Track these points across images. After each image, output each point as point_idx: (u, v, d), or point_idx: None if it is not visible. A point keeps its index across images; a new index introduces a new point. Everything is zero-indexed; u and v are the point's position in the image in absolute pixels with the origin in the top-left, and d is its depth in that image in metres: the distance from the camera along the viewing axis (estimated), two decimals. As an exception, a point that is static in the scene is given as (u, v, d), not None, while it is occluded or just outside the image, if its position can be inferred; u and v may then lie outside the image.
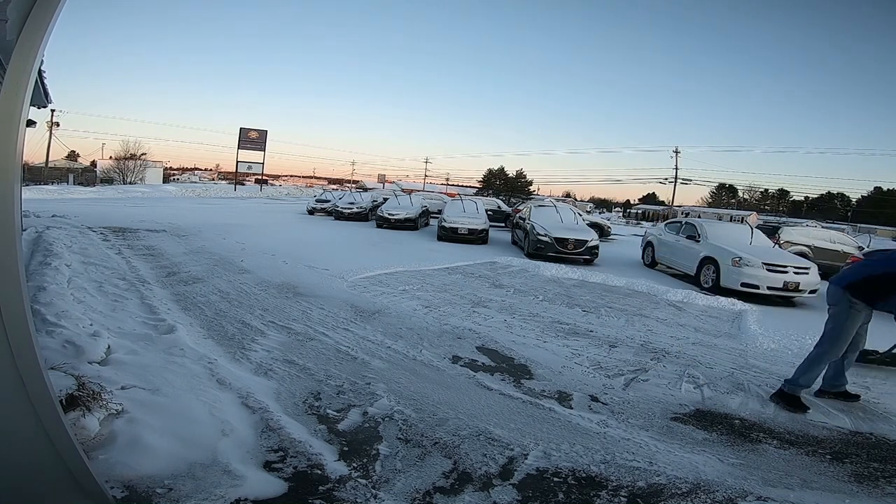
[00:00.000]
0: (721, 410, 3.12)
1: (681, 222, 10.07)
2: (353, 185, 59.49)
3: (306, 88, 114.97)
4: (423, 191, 39.95)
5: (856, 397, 3.44)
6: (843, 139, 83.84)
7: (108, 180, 35.22)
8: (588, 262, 10.01)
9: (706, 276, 8.12)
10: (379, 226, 14.77)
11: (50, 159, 32.46)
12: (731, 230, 9.36)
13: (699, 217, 18.37)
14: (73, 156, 42.21)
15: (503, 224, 18.57)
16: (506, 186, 56.35)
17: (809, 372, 3.25)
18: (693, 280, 8.42)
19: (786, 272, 7.35)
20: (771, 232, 11.19)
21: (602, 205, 66.46)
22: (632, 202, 70.58)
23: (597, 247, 10.16)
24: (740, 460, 2.48)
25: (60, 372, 2.41)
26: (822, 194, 57.70)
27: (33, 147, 31.49)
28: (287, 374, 3.12)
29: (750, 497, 2.14)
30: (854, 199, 57.27)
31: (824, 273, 8.34)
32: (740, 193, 64.90)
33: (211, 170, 70.61)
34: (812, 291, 7.50)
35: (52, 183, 27.40)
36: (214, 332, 3.86)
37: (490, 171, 62.19)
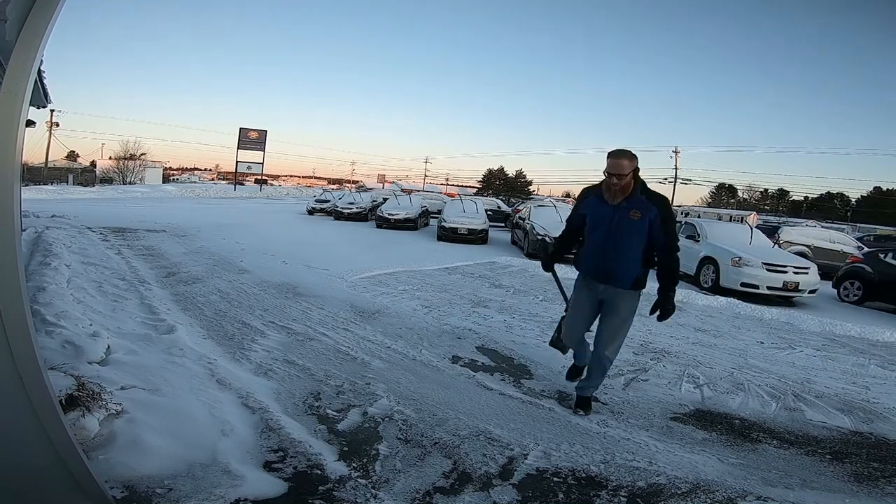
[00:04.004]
0: (721, 410, 3.13)
1: (680, 222, 10.06)
2: (353, 185, 59.42)
3: (306, 88, 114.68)
4: (423, 191, 39.85)
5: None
6: (843, 139, 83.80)
7: (107, 180, 35.18)
8: (588, 262, 9.98)
9: (706, 275, 8.13)
10: (378, 226, 14.77)
11: (49, 159, 32.46)
12: (730, 230, 9.38)
13: (699, 217, 18.39)
14: (72, 156, 42.21)
15: (503, 224, 18.56)
16: (505, 186, 56.45)
17: None
18: (692, 280, 8.41)
19: (785, 272, 7.36)
20: (771, 232, 11.21)
21: (602, 205, 66.16)
22: (632, 202, 70.28)
23: (597, 247, 10.12)
24: (740, 460, 2.48)
25: (60, 372, 2.40)
26: (822, 194, 57.65)
27: (33, 147, 31.45)
28: (287, 375, 3.12)
29: (750, 497, 2.14)
30: (854, 199, 57.30)
31: (824, 273, 8.35)
32: (740, 193, 64.84)
33: (210, 170, 70.48)
34: (812, 291, 7.53)
35: (52, 183, 27.39)
36: (214, 332, 3.86)
37: (490, 172, 62.36)
